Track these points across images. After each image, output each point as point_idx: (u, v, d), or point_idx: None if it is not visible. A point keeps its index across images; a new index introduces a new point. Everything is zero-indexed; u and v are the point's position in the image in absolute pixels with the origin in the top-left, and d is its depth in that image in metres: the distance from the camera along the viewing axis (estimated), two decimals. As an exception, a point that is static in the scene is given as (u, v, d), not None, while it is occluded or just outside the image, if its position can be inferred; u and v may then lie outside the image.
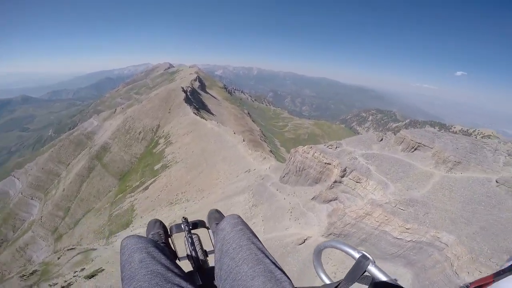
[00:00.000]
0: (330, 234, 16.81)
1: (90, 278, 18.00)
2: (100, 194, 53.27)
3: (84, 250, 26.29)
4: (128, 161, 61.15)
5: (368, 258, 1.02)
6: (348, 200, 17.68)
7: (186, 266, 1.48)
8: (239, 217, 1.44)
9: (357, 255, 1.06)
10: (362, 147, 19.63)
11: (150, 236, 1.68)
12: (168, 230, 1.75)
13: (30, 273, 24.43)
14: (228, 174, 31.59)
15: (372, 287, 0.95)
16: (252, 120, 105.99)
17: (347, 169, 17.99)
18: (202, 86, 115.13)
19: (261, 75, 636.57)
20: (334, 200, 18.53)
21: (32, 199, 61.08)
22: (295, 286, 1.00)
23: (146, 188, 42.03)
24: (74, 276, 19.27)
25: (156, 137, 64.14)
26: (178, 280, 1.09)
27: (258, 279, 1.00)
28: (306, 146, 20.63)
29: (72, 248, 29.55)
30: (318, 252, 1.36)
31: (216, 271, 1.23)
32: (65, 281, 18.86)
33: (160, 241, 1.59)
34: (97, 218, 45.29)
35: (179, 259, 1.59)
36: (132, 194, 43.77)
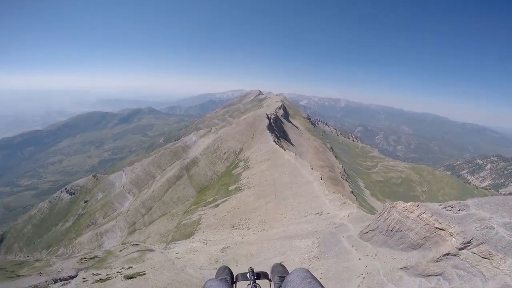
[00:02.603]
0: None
1: (127, 279, 18.26)
2: (179, 201, 59.12)
3: (144, 249, 27.94)
4: (210, 177, 66.21)
5: None
6: (461, 279, 11.91)
7: None
8: (308, 271, 1.47)
9: None
10: (506, 214, 13.44)
11: (218, 279, 1.78)
12: (234, 277, 1.89)
13: (90, 258, 27.30)
14: (295, 212, 28.57)
15: None
16: (335, 156, 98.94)
17: (473, 240, 12.42)
18: (286, 115, 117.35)
19: (349, 107, 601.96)
20: (437, 275, 12.98)
21: (128, 193, 74.05)
22: None
23: (217, 205, 43.49)
24: (117, 272, 20.10)
25: (237, 159, 67.54)
26: None
27: None
28: (410, 203, 15.92)
29: (136, 244, 32.28)
30: None
31: None
32: (107, 275, 19.84)
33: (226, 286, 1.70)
34: (168, 222, 49.66)
35: None
36: (204, 208, 46.13)
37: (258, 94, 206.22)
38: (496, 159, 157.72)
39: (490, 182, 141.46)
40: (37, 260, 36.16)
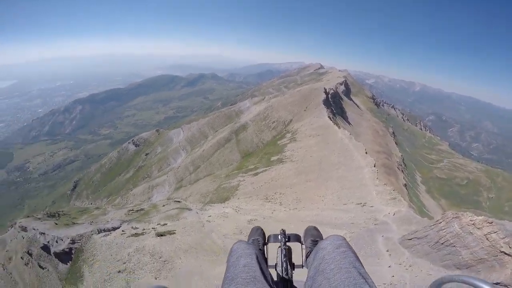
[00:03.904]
0: None
1: (157, 236, 19.27)
2: (224, 164, 61.65)
3: (183, 206, 29.58)
4: (256, 144, 66.85)
5: None
6: None
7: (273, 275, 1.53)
8: (344, 239, 1.42)
9: None
10: None
11: (250, 240, 1.86)
12: (266, 238, 1.89)
13: (137, 210, 29.20)
14: (335, 197, 26.36)
15: None
16: (396, 142, 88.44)
17: None
18: (347, 92, 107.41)
19: (424, 92, 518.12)
20: None
21: (182, 150, 79.13)
22: None
23: (256, 174, 43.83)
24: (152, 228, 21.43)
25: (285, 130, 65.92)
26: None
27: None
28: (481, 218, 12.80)
29: (178, 201, 34.54)
30: (436, 286, 1.10)
31: (305, 287, 1.25)
32: (143, 229, 21.06)
33: (258, 247, 1.74)
34: (210, 183, 52.02)
35: (268, 267, 1.68)
36: (244, 174, 47.08)
37: (319, 68, 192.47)
38: None
39: None
40: (96, 208, 40.68)
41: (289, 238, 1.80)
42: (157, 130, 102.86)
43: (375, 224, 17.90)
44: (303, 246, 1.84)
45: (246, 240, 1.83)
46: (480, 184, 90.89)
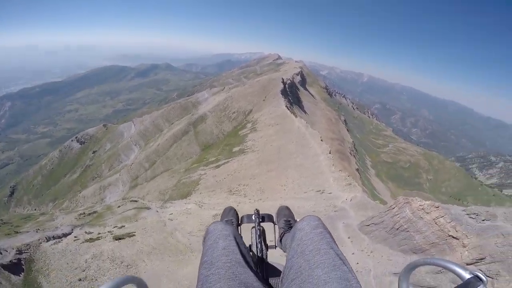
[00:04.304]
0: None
1: (115, 240, 17.95)
2: (182, 158, 58.82)
3: (141, 206, 27.73)
4: (216, 135, 65.09)
5: (482, 280, 0.82)
6: None
7: None
8: (320, 219, 1.40)
9: (467, 276, 0.85)
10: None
11: (223, 221, 1.74)
12: (239, 219, 1.86)
13: (89, 213, 27.03)
14: (296, 185, 26.90)
15: None
16: (347, 129, 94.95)
17: (487, 257, 10.54)
18: (303, 82, 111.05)
19: (371, 83, 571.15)
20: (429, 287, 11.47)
21: (135, 145, 73.29)
22: None
23: (218, 166, 42.66)
24: (108, 232, 19.82)
25: (245, 120, 65.38)
26: (251, 272, 1.13)
27: (332, 285, 0.96)
28: (429, 202, 13.66)
29: (135, 200, 32.29)
30: (408, 270, 1.12)
31: (285, 269, 1.23)
32: (98, 234, 19.54)
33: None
34: (169, 179, 49.45)
35: None
36: (205, 168, 45.51)
37: (277, 59, 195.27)
38: (511, 159, 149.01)
39: (496, 180, 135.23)
40: (42, 214, 36.57)
41: (263, 218, 1.78)
42: (104, 125, 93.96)
43: (334, 211, 18.49)
44: (276, 227, 1.82)
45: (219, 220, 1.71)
46: (420, 166, 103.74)
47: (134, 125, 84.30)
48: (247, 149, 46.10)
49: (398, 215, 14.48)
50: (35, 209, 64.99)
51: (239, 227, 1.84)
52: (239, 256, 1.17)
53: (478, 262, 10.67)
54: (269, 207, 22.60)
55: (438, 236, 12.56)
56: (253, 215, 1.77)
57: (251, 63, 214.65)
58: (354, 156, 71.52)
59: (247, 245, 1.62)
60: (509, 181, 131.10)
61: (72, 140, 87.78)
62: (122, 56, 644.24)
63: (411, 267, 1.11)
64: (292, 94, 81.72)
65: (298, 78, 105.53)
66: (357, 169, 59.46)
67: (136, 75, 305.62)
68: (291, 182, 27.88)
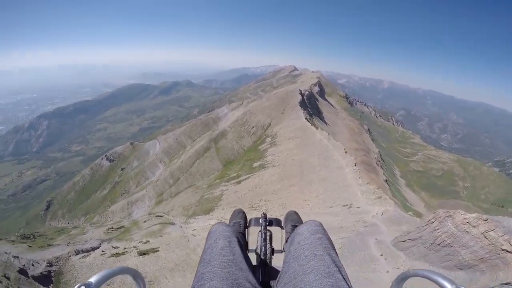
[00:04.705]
0: None
1: (140, 255, 18.07)
2: (205, 174, 59.53)
3: (166, 221, 27.80)
4: (236, 151, 65.50)
5: None
6: None
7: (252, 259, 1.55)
8: (321, 224, 1.42)
9: None
10: None
11: (231, 223, 1.83)
12: (248, 222, 1.87)
13: (117, 228, 27.64)
14: (321, 200, 25.80)
15: None
16: (372, 139, 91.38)
17: None
18: (321, 92, 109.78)
19: (393, 89, 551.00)
20: None
21: (160, 162, 75.78)
22: None
23: (239, 182, 42.53)
24: (134, 247, 20.01)
25: (265, 135, 65.31)
26: (247, 273, 1.14)
27: None
28: (475, 215, 12.42)
29: (160, 216, 32.64)
30: (400, 280, 1.16)
31: (281, 272, 1.23)
32: (124, 248, 19.78)
33: (238, 230, 1.73)
34: (192, 195, 49.95)
35: (248, 251, 1.69)
36: (226, 183, 45.56)
37: (293, 70, 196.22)
38: None
39: None
40: (74, 227, 38.34)
41: (270, 222, 1.78)
42: (131, 143, 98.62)
43: (364, 227, 17.35)
44: (283, 231, 1.80)
45: (228, 223, 1.73)
46: (455, 174, 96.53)
47: (159, 142, 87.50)
48: (267, 164, 45.68)
49: (439, 230, 13.21)
50: (68, 223, 68.85)
51: (246, 229, 1.83)
52: (236, 256, 1.19)
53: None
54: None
55: (489, 251, 11.22)
56: (261, 219, 1.76)
57: (267, 76, 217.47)
58: (381, 166, 68.18)
59: (254, 247, 1.67)
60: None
61: (102, 158, 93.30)
62: (142, 75, 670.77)
63: (401, 279, 1.13)
64: (311, 105, 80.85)
65: (316, 89, 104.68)
66: (386, 180, 56.43)
67: (159, 93, 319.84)
68: (315, 197, 26.86)
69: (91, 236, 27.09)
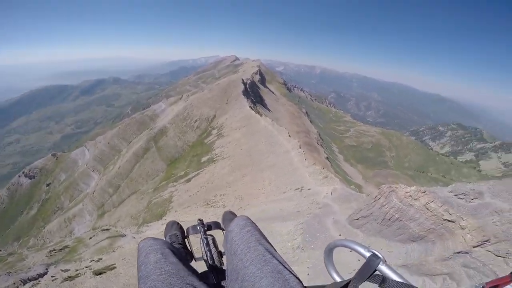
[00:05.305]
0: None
1: (96, 275, 15.98)
2: (148, 177, 54.54)
3: (115, 234, 25.20)
4: (180, 147, 61.63)
5: (379, 257, 1.01)
6: (471, 280, 10.24)
7: (203, 266, 1.59)
8: (248, 218, 1.46)
9: (367, 254, 1.05)
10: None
11: (167, 237, 1.75)
12: (185, 232, 1.82)
13: (60, 249, 24.22)
14: (274, 186, 26.04)
15: (383, 286, 0.94)
16: (310, 121, 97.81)
17: (492, 238, 10.49)
18: (262, 80, 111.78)
19: (324, 74, 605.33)
20: (442, 275, 11.24)
21: (93, 171, 66.82)
22: (304, 286, 1.02)
23: (189, 180, 40.12)
24: (86, 267, 17.83)
25: (210, 127, 63.05)
26: (191, 279, 1.14)
27: (266, 280, 1.02)
28: (414, 188, 13.36)
29: (106, 229, 28.98)
30: (329, 251, 1.34)
31: (227, 271, 1.29)
32: (76, 270, 17.52)
33: (177, 242, 1.67)
34: (138, 202, 45.60)
35: (195, 260, 1.69)
36: (175, 184, 42.55)
37: (234, 60, 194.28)
38: (455, 127, 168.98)
39: (449, 148, 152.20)
40: (10, 254, 33.03)
41: (209, 226, 1.77)
42: (53, 155, 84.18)
43: (319, 208, 17.83)
44: (224, 232, 1.74)
45: (163, 238, 1.65)
46: (382, 145, 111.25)
47: (88, 149, 76.40)
48: (216, 157, 44.20)
49: (386, 205, 14.15)
50: (0, 250, 58.71)
51: (186, 239, 1.76)
52: (173, 267, 1.18)
53: (484, 243, 10.59)
54: (251, 214, 21.24)
55: (433, 222, 12.33)
56: (198, 225, 1.73)
57: (208, 67, 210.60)
58: (321, 145, 73.66)
59: (201, 256, 1.62)
60: (459, 147, 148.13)
61: (19, 176, 78.66)
62: (60, 75, 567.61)
63: (329, 250, 1.29)
64: (254, 93, 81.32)
65: (257, 77, 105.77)
66: (327, 158, 61.23)
67: (80, 93, 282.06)
68: (268, 184, 26.94)
69: (33, 261, 24.56)
